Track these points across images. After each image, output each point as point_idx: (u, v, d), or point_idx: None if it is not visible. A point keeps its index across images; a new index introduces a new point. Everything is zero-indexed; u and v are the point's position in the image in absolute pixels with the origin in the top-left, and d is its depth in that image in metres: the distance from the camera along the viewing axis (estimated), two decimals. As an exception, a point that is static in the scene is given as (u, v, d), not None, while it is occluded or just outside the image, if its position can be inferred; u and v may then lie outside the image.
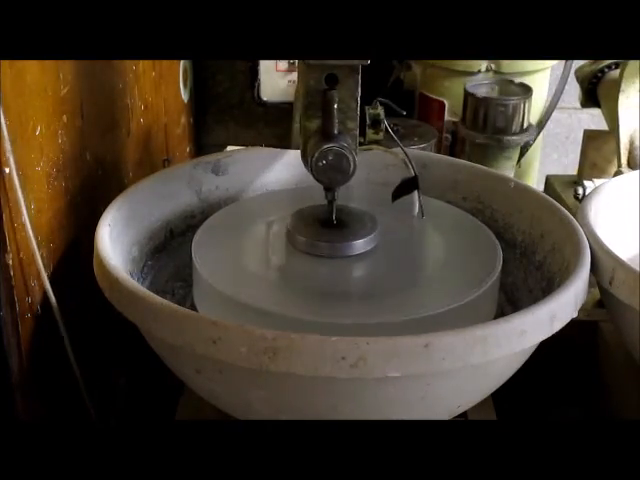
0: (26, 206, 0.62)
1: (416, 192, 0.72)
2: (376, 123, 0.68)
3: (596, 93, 1.07)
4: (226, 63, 1.28)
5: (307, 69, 0.64)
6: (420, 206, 0.72)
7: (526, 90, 1.04)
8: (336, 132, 0.65)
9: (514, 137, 1.00)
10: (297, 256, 0.67)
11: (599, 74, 1.05)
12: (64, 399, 0.73)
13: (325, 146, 0.62)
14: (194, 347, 0.55)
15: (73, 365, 0.71)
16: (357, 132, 0.67)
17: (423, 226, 0.76)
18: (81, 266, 0.69)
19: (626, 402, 0.81)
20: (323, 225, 0.68)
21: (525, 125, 1.02)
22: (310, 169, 0.63)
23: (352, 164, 0.63)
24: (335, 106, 0.64)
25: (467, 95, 1.02)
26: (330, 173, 0.63)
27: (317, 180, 0.63)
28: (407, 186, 0.73)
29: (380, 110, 0.68)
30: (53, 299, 0.67)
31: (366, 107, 0.68)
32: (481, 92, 1.02)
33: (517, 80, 1.06)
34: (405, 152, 0.76)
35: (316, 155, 0.62)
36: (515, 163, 1.04)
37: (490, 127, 1.00)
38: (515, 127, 1.01)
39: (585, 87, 1.08)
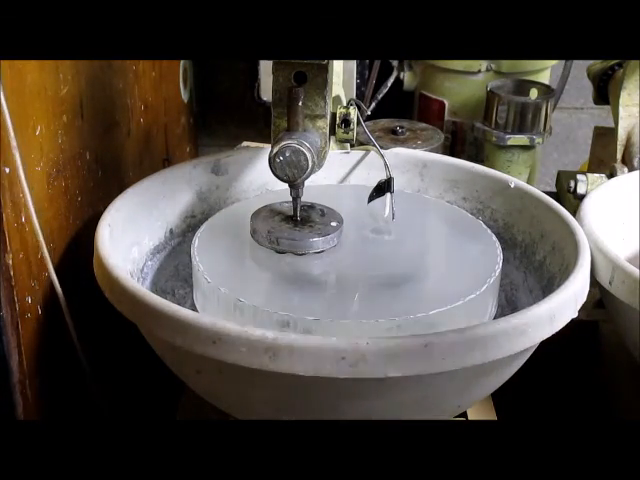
0: (33, 205, 0.63)
1: (389, 195, 0.72)
2: (346, 122, 0.69)
3: (607, 90, 1.07)
4: (226, 63, 1.28)
5: (276, 67, 0.65)
6: (392, 208, 0.72)
7: (548, 90, 1.04)
8: (302, 130, 0.65)
9: (540, 136, 1.01)
10: (297, 256, 0.67)
11: (609, 71, 1.05)
12: (64, 399, 0.73)
13: (283, 143, 0.63)
14: (194, 347, 0.55)
15: (83, 363, 0.71)
16: (327, 131, 0.67)
17: (423, 226, 0.76)
18: (81, 266, 0.69)
19: (626, 402, 0.81)
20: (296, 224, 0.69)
21: (548, 125, 1.02)
22: (269, 165, 0.63)
23: (310, 161, 0.63)
24: (300, 103, 0.64)
25: (491, 95, 1.02)
26: (287, 169, 0.63)
27: (275, 176, 0.64)
28: (383, 188, 0.73)
29: (352, 109, 0.69)
30: (62, 296, 0.67)
31: (338, 106, 0.69)
32: (503, 92, 1.02)
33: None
34: (381, 153, 0.76)
35: (274, 151, 0.63)
36: (530, 163, 1.04)
37: (517, 127, 1.01)
38: (541, 126, 1.01)
39: (596, 84, 1.08)
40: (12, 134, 0.60)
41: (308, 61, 0.64)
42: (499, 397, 0.73)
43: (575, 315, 0.61)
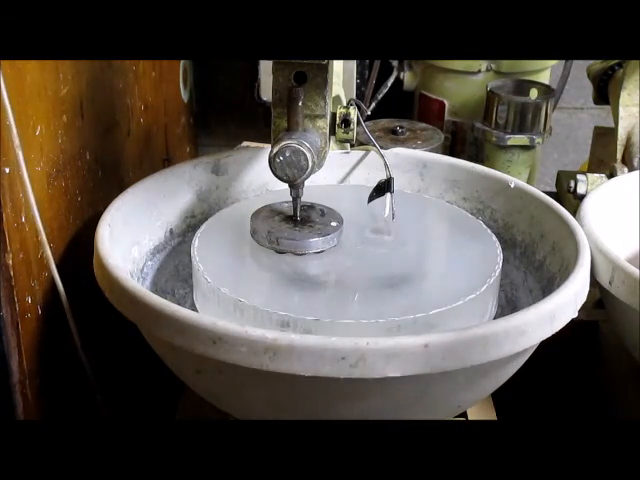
0: (36, 205, 0.63)
1: (389, 195, 0.72)
2: (347, 122, 0.69)
3: (607, 90, 1.07)
4: (226, 63, 1.28)
5: (276, 66, 0.65)
6: (392, 208, 0.72)
7: (548, 90, 1.04)
8: (302, 130, 0.65)
9: (540, 136, 1.01)
10: (297, 256, 0.67)
11: (609, 71, 1.05)
12: (64, 399, 0.73)
13: (283, 143, 0.63)
14: (194, 347, 0.55)
15: (85, 363, 0.71)
16: (327, 131, 0.67)
17: (423, 226, 0.76)
18: (81, 266, 0.69)
19: (626, 402, 0.81)
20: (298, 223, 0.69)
21: (548, 125, 1.02)
22: (269, 165, 0.64)
23: (310, 161, 0.63)
24: (300, 103, 0.64)
25: (491, 95, 1.02)
26: (287, 169, 0.63)
27: (275, 176, 0.64)
28: (383, 188, 0.73)
29: (352, 109, 0.69)
30: (63, 295, 0.67)
31: (338, 106, 0.69)
32: (503, 92, 1.02)
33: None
34: (381, 153, 0.76)
35: (274, 151, 0.63)
36: (530, 163, 1.04)
37: (517, 127, 1.01)
38: (541, 126, 1.01)
39: (596, 84, 1.08)
40: (15, 134, 0.60)
41: (308, 61, 0.64)
42: (499, 397, 0.73)
43: (575, 315, 0.61)
